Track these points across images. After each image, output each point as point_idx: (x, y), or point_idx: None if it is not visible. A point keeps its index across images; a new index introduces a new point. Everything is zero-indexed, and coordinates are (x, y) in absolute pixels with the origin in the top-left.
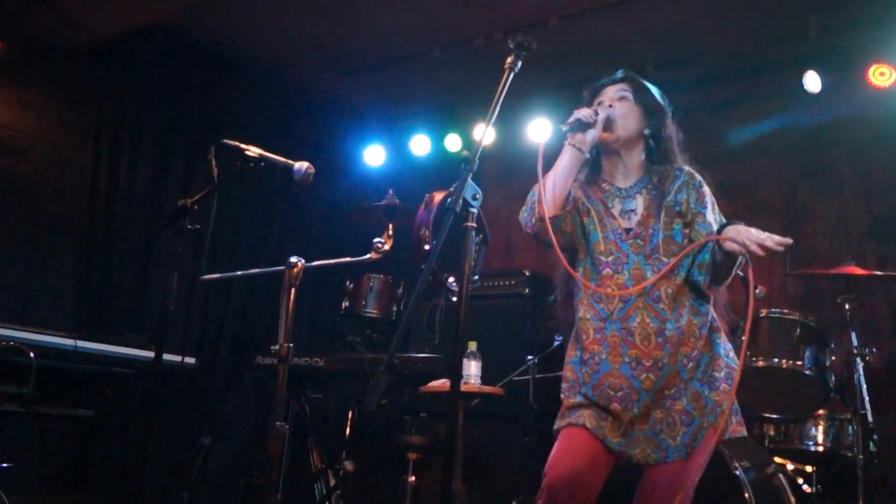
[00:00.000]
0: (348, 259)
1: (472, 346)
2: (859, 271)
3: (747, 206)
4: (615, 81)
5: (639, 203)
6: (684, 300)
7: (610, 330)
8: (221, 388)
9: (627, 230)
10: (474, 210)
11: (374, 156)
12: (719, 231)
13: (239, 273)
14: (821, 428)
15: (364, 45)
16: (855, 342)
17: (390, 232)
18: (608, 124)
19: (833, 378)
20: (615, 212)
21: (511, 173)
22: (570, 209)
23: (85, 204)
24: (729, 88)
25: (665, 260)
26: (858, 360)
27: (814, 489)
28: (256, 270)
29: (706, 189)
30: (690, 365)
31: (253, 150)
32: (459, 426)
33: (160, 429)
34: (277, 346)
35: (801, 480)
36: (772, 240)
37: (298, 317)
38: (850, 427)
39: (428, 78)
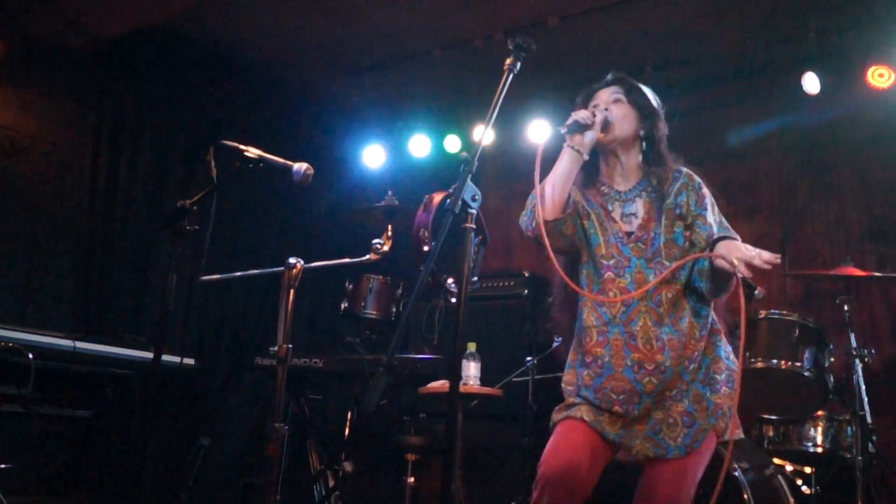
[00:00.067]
0: (347, 260)
1: (472, 347)
2: (858, 272)
3: (746, 206)
4: (608, 84)
5: (639, 206)
6: (685, 304)
7: (613, 333)
8: (220, 389)
9: (629, 234)
10: (473, 211)
11: (373, 156)
12: (712, 245)
13: (238, 274)
14: (820, 429)
15: (363, 45)
16: (854, 343)
17: (389, 233)
18: (606, 126)
19: (832, 379)
20: (616, 215)
21: (510, 174)
22: (570, 212)
23: (84, 204)
24: (728, 89)
25: (667, 263)
26: (857, 361)
27: (813, 490)
28: (255, 271)
29: (705, 190)
30: (692, 367)
31: (252, 151)
32: (458, 427)
33: (159, 429)
34: (276, 347)
35: (799, 481)
36: (760, 257)
37: (297, 318)
38: (848, 428)
39: (427, 79)
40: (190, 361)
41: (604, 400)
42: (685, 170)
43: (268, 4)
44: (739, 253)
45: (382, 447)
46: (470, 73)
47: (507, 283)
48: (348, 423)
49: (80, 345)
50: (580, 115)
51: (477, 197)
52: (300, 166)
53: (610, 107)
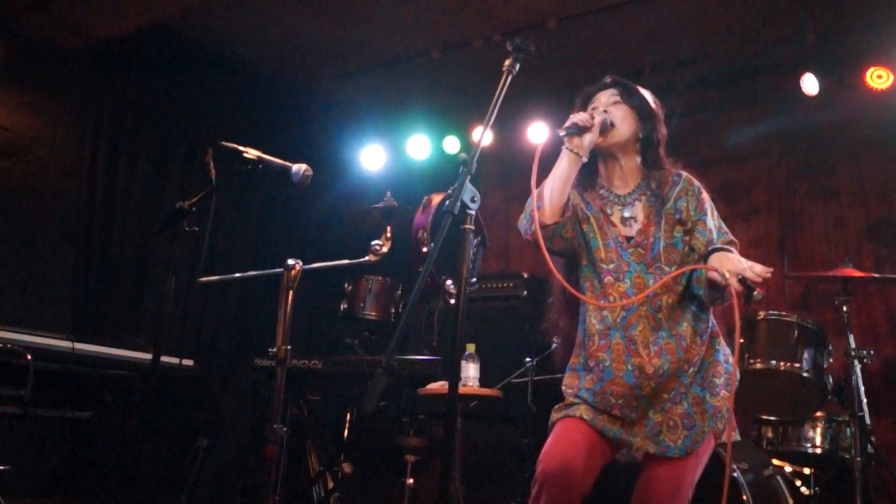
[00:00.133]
0: (346, 261)
1: (471, 348)
2: (857, 273)
3: (745, 207)
4: (606, 87)
5: (638, 210)
6: (685, 309)
7: (614, 337)
8: (219, 390)
9: (628, 238)
10: (472, 212)
11: (372, 158)
12: (706, 257)
13: (237, 275)
14: (819, 430)
15: (362, 47)
16: (852, 344)
17: (388, 234)
18: (605, 128)
19: (831, 380)
20: (615, 219)
21: (509, 175)
22: (569, 216)
23: (83, 206)
24: (727, 91)
25: (666, 269)
26: (856, 361)
27: (812, 491)
28: (254, 272)
29: (705, 195)
30: (691, 370)
31: (251, 153)
32: (458, 428)
33: (158, 431)
34: (275, 348)
35: (798, 482)
36: (752, 270)
37: (296, 319)
38: (847, 429)
39: (426, 80)
40: (189, 363)
41: (603, 403)
42: (684, 174)
43: (265, 6)
44: (732, 266)
45: (381, 448)
46: (469, 75)
47: (506, 285)
48: (347, 425)
49: (79, 346)
50: (579, 117)
51: (476, 198)
52: (299, 167)
53: (609, 109)
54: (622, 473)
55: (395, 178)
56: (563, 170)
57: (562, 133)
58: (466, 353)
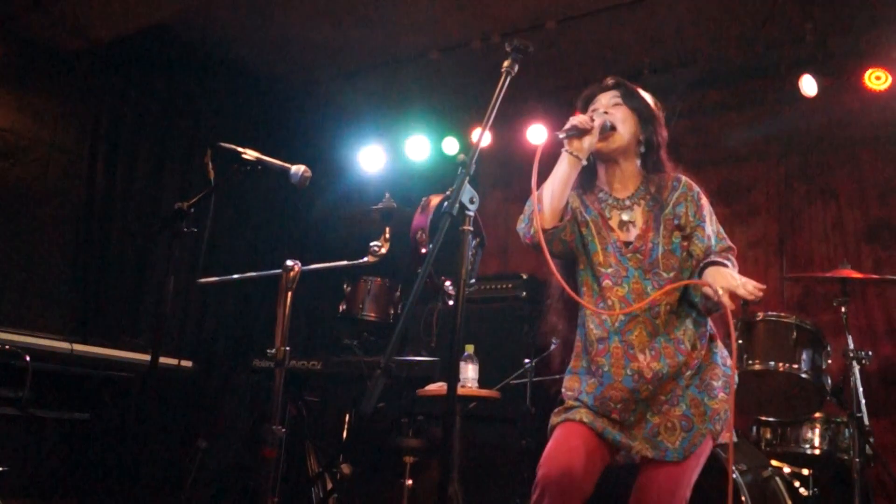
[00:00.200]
0: (345, 262)
1: (469, 349)
2: (855, 274)
3: (744, 209)
4: (607, 88)
5: (637, 215)
6: (683, 313)
7: (612, 342)
8: (218, 391)
9: (626, 243)
10: (471, 213)
11: (371, 159)
12: (702, 270)
13: (236, 276)
14: (817, 431)
15: (361, 48)
16: (851, 345)
17: (387, 235)
18: (605, 130)
19: (829, 381)
20: (613, 223)
21: (508, 177)
22: (568, 219)
23: (82, 206)
24: (725, 92)
25: (664, 274)
26: (854, 363)
27: (810, 492)
28: (253, 273)
29: (704, 200)
30: (689, 373)
31: (250, 154)
32: (456, 429)
33: (157, 432)
34: (274, 349)
35: (797, 483)
36: (745, 287)
37: (295, 320)
38: (846, 430)
39: (425, 81)
40: (188, 363)
41: (602, 407)
42: (684, 178)
43: (264, 8)
44: (725, 282)
45: (380, 449)
46: (468, 76)
47: (504, 286)
48: (346, 426)
49: (78, 347)
50: (579, 119)
51: (475, 199)
52: (298, 168)
53: (610, 111)
54: (621, 474)
55: (394, 179)
56: (563, 173)
57: (561, 136)
58: (465, 354)
